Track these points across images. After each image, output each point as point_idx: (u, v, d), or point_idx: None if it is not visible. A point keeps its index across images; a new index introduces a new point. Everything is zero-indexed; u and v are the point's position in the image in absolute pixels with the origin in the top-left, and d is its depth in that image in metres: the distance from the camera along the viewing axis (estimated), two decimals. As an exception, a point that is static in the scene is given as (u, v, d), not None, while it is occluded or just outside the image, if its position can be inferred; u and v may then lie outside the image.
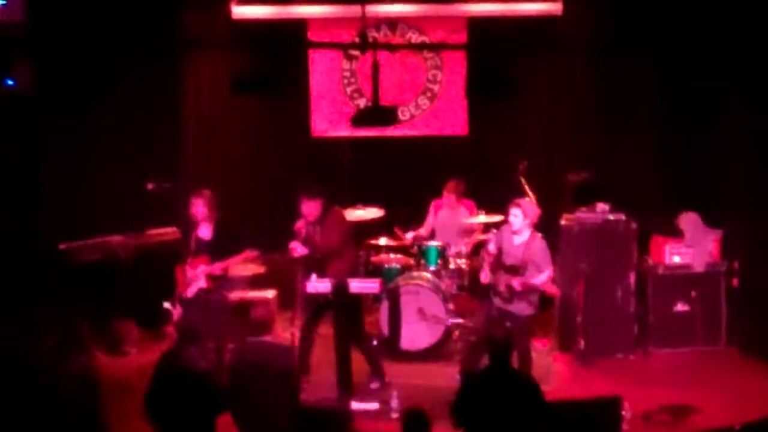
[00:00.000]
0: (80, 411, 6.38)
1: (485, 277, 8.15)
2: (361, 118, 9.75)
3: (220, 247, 8.30)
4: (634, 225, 9.45)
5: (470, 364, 8.02)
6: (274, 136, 11.15)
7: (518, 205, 8.05)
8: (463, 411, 6.12)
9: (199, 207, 8.34)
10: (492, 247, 8.21)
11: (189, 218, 8.45)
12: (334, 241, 8.51)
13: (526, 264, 7.92)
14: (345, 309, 8.37)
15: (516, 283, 7.85)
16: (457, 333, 9.54)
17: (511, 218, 8.05)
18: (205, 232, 8.39)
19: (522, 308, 7.97)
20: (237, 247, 8.36)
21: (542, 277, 7.94)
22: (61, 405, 6.43)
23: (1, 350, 8.24)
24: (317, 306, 8.60)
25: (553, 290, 8.16)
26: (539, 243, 8.06)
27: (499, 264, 8.06)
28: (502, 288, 7.98)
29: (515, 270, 7.93)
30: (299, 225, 8.54)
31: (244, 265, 9.66)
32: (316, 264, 8.52)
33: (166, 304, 8.32)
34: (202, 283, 8.28)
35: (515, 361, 7.72)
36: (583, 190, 9.86)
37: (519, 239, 8.05)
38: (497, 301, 8.06)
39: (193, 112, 11.07)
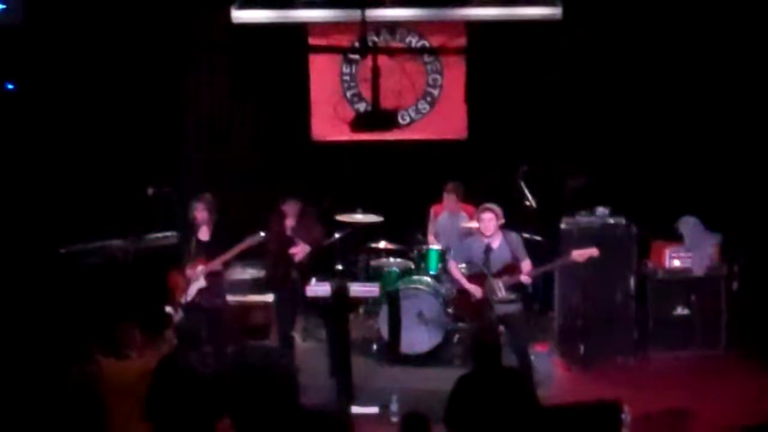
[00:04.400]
0: (82, 414, 6.38)
1: (478, 292, 8.16)
2: (361, 123, 9.78)
3: (219, 249, 8.32)
4: (634, 229, 9.46)
5: None
6: (274, 140, 11.15)
7: (489, 209, 8.11)
8: (455, 418, 6.10)
9: (199, 211, 8.37)
10: (456, 265, 8.33)
11: (189, 222, 8.48)
12: (319, 236, 8.84)
13: (517, 259, 8.02)
14: (344, 312, 8.42)
15: (523, 278, 8.00)
16: (456, 337, 9.55)
17: (486, 223, 8.11)
18: (204, 235, 8.41)
19: (517, 306, 8.10)
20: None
21: (526, 265, 8.11)
22: (63, 408, 6.44)
23: (3, 355, 8.26)
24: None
25: (588, 253, 8.19)
26: (515, 236, 8.24)
27: (484, 274, 8.07)
28: (501, 294, 8.00)
29: (512, 269, 7.99)
30: (290, 222, 8.71)
31: (243, 269, 9.70)
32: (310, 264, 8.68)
33: (168, 309, 8.32)
34: (201, 283, 8.29)
35: (515, 362, 7.81)
36: (583, 194, 9.86)
37: (496, 241, 8.14)
38: (498, 308, 8.08)
39: (193, 116, 11.08)
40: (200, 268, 8.30)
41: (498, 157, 10.81)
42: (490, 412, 5.96)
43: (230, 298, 8.98)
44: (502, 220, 8.17)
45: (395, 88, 10.74)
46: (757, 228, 9.65)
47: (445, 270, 9.59)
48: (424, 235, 10.01)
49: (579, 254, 8.18)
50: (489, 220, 8.09)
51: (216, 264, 8.32)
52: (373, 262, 9.98)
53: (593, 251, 8.16)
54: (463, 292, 9.31)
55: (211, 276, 8.34)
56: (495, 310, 8.08)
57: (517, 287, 8.08)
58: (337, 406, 7.97)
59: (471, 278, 8.25)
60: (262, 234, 8.44)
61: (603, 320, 9.40)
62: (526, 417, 5.98)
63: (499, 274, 8.06)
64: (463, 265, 8.47)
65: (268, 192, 10.64)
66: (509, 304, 8.04)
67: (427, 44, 11.03)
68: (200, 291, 8.31)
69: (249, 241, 8.37)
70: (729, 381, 8.79)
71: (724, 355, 9.47)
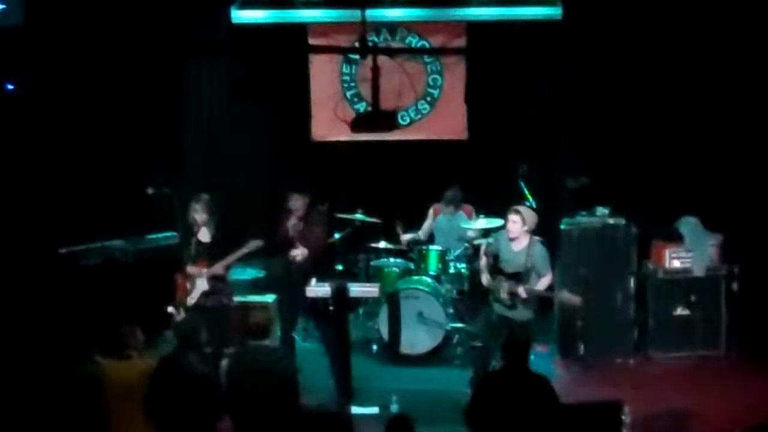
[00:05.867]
0: (84, 415, 6.38)
1: (486, 280, 8.17)
2: (361, 123, 9.74)
3: (220, 251, 8.32)
4: (634, 229, 9.47)
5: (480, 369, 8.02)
6: (274, 140, 11.15)
7: (517, 212, 8.04)
8: (478, 415, 6.08)
9: (198, 213, 8.35)
10: (489, 251, 8.23)
11: (188, 223, 8.47)
12: (321, 238, 8.76)
13: (528, 271, 7.93)
14: (344, 313, 8.42)
15: (521, 290, 7.87)
16: (456, 337, 9.55)
17: (510, 225, 8.05)
18: (204, 236, 8.40)
19: (522, 314, 7.99)
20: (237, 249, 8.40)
21: (543, 282, 7.99)
22: (64, 409, 6.43)
23: (4, 356, 8.26)
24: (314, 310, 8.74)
25: (574, 300, 8.11)
26: (540, 249, 8.08)
27: (497, 270, 8.06)
28: (503, 295, 7.98)
29: (518, 277, 7.94)
30: (294, 222, 8.70)
31: (243, 270, 9.70)
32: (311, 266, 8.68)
33: (170, 309, 8.32)
34: (204, 286, 8.29)
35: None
36: (583, 194, 9.86)
37: (518, 246, 8.04)
38: (497, 307, 8.06)
39: (193, 116, 11.08)
40: (203, 270, 8.29)
41: (498, 157, 10.81)
42: (513, 413, 5.95)
43: (231, 299, 8.99)
44: (528, 227, 8.03)
45: (395, 89, 10.70)
46: (757, 228, 9.64)
47: (445, 270, 9.60)
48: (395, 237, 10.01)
49: (568, 297, 8.16)
50: (513, 222, 8.02)
51: (218, 268, 8.31)
52: (373, 263, 9.99)
53: (577, 300, 8.12)
54: (463, 293, 9.32)
55: (214, 279, 8.33)
56: (494, 308, 8.06)
57: (516, 296, 8.02)
58: (337, 407, 7.97)
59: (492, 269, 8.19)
60: (261, 242, 8.41)
61: (603, 320, 9.40)
62: (549, 422, 5.96)
63: (508, 277, 8.02)
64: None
65: (268, 192, 10.67)
66: (510, 309, 8.01)
67: (427, 44, 11.03)
68: (205, 293, 8.31)
69: (249, 246, 8.35)
70: (729, 381, 8.79)
71: (724, 356, 9.46)
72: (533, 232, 8.12)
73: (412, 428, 5.72)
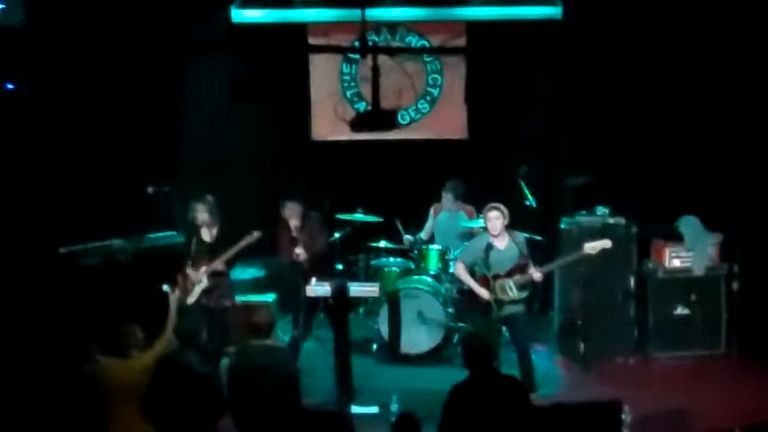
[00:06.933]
0: (84, 415, 6.38)
1: (485, 295, 8.13)
2: (360, 122, 9.74)
3: (222, 251, 8.32)
4: (634, 229, 9.47)
5: None
6: (274, 139, 11.16)
7: (496, 208, 8.09)
8: (451, 429, 6.06)
9: (199, 213, 8.35)
10: (462, 267, 8.27)
11: (190, 223, 8.47)
12: (322, 244, 8.88)
13: (526, 258, 8.03)
14: (344, 312, 8.42)
15: (537, 275, 8.01)
16: (456, 337, 9.54)
17: (494, 222, 8.08)
18: (206, 235, 8.40)
19: (520, 306, 8.12)
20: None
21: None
22: (64, 409, 6.44)
23: (4, 355, 8.26)
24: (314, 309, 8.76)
25: (603, 244, 8.21)
26: (521, 236, 8.26)
27: (493, 277, 8.05)
28: (513, 294, 7.99)
29: (522, 268, 8.00)
30: (294, 223, 8.70)
31: (244, 270, 9.70)
32: (312, 266, 8.69)
33: (164, 286, 8.29)
34: (204, 284, 8.29)
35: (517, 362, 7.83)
36: (583, 193, 9.87)
37: (502, 243, 8.13)
38: (500, 309, 8.06)
39: (193, 115, 11.08)
40: (202, 268, 8.30)
41: (498, 157, 10.82)
42: (486, 422, 5.93)
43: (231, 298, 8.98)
44: (508, 220, 8.16)
45: (395, 88, 10.72)
46: (757, 228, 9.64)
47: (445, 270, 9.59)
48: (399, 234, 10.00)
49: (591, 247, 8.17)
50: (496, 219, 8.07)
51: (217, 264, 8.32)
52: (373, 262, 9.99)
53: (606, 243, 8.16)
54: (463, 292, 9.33)
55: (214, 276, 8.33)
56: (502, 310, 8.06)
57: (527, 286, 8.07)
58: (337, 406, 7.98)
59: (477, 279, 8.23)
60: (260, 233, 8.41)
61: (603, 320, 9.40)
62: (522, 423, 5.95)
63: (509, 274, 8.05)
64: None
65: (268, 192, 10.67)
66: (514, 305, 8.04)
67: (427, 44, 11.03)
68: (205, 291, 8.31)
69: (247, 240, 8.35)
70: (729, 381, 8.79)
71: (724, 355, 9.46)
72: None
73: (419, 426, 5.71)
